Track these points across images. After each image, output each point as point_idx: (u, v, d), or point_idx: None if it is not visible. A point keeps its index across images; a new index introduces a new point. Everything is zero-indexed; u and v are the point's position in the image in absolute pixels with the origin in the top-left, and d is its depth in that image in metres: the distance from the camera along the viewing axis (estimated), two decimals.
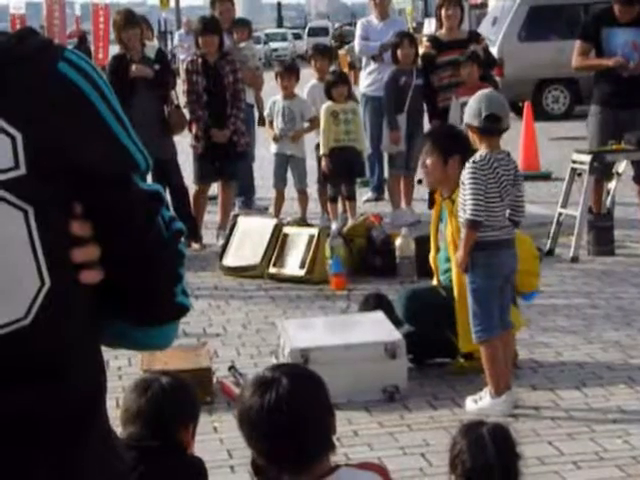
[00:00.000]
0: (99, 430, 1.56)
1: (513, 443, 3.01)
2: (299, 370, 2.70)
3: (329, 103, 9.41)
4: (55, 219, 1.49)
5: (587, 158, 8.39)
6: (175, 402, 3.07)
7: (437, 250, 5.89)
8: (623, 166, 8.81)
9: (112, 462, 1.59)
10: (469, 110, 5.24)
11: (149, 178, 9.41)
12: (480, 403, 5.17)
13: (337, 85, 9.44)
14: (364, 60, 11.41)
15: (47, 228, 1.47)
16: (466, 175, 5.07)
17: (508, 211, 5.19)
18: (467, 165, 5.10)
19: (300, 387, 2.52)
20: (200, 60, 9.14)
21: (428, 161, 5.68)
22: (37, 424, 1.49)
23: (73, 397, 1.51)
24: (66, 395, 1.51)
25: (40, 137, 1.47)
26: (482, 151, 5.12)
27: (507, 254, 5.13)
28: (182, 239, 1.65)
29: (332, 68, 11.07)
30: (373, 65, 10.88)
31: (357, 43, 11.18)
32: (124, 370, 5.97)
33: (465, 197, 5.07)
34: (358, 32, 11.15)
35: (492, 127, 5.12)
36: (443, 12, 9.80)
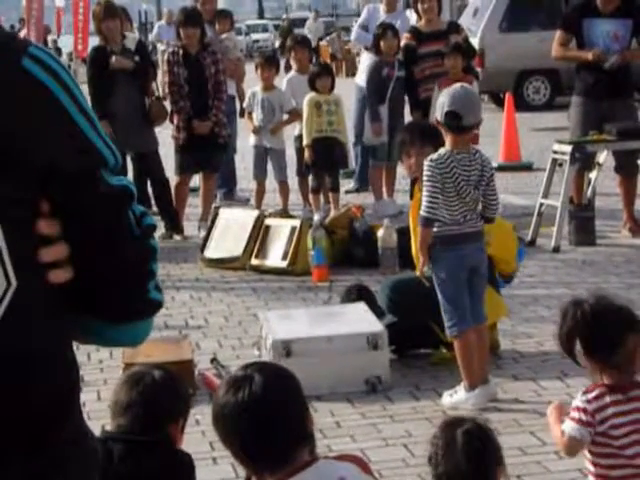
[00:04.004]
0: (71, 428, 1.54)
1: (489, 443, 2.98)
2: (271, 367, 2.70)
3: (312, 94, 9.40)
4: (21, 218, 1.46)
5: (568, 148, 8.42)
6: (166, 396, 3.05)
7: None
8: (604, 156, 8.84)
9: (83, 460, 1.57)
10: (438, 103, 5.25)
11: (130, 169, 9.42)
12: (454, 397, 5.18)
13: (321, 76, 9.43)
14: (361, 49, 11.51)
15: (12, 227, 1.44)
16: (424, 173, 5.09)
17: (480, 207, 5.20)
18: (425, 163, 5.11)
19: (273, 383, 2.52)
20: (181, 52, 9.11)
21: (411, 160, 5.69)
22: (5, 423, 1.46)
23: (43, 396, 1.49)
24: (36, 394, 1.48)
25: (4, 135, 1.44)
26: (442, 149, 5.13)
27: (470, 247, 5.12)
28: (154, 234, 1.62)
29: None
30: (366, 55, 10.90)
31: (354, 30, 11.36)
32: (105, 363, 5.95)
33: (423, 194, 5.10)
34: (360, 19, 11.30)
35: (451, 124, 5.10)
36: (420, 5, 9.82)
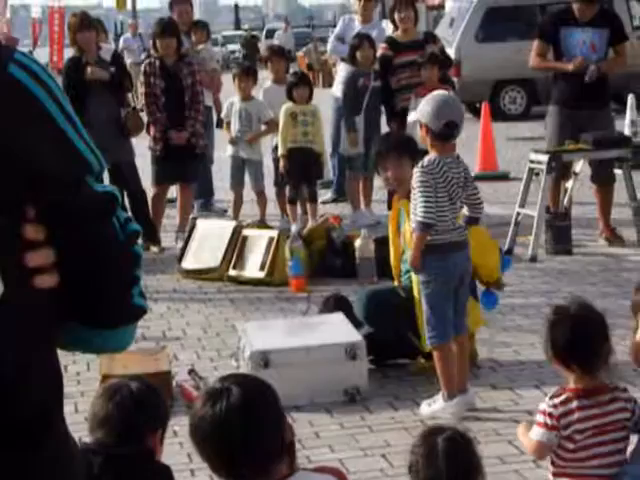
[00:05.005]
0: (56, 435, 1.55)
1: (469, 451, 3.00)
2: (248, 379, 2.69)
3: (289, 104, 9.40)
4: (7, 223, 1.46)
5: (544, 158, 8.45)
6: (144, 407, 3.03)
7: (401, 253, 5.87)
8: (580, 166, 8.88)
9: (69, 468, 1.57)
10: (426, 111, 5.18)
11: (106, 181, 9.38)
12: (433, 406, 5.19)
13: (298, 86, 9.43)
14: (338, 60, 11.51)
15: None
16: (415, 179, 5.08)
17: (465, 210, 5.22)
18: (415, 170, 5.10)
19: (251, 395, 2.52)
20: (158, 63, 9.10)
21: (388, 170, 5.71)
22: None
23: (28, 401, 1.49)
24: (22, 399, 1.49)
25: None
26: (431, 155, 5.13)
27: (459, 256, 5.12)
28: (138, 240, 1.63)
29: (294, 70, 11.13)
30: (342, 65, 10.92)
31: (330, 41, 11.38)
32: (83, 375, 5.92)
33: (415, 201, 5.08)
34: (336, 30, 11.29)
35: (450, 134, 5.12)
36: (396, 15, 9.85)
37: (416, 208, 5.06)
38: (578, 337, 3.34)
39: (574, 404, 3.30)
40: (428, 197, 5.02)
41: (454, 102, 5.27)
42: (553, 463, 3.39)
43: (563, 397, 3.31)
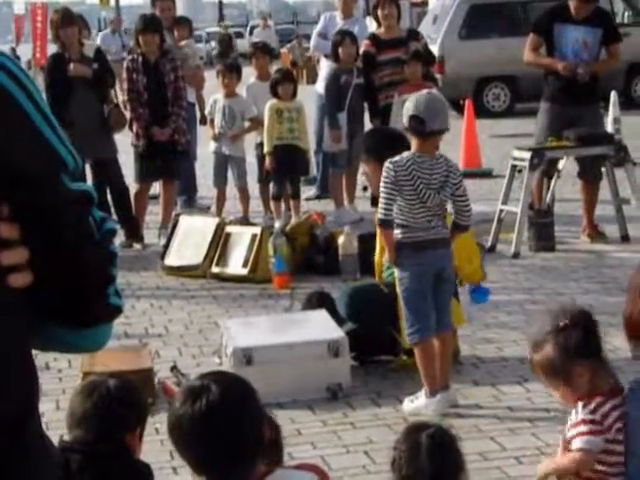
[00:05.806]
0: (31, 434, 1.54)
1: (452, 448, 3.00)
2: (228, 376, 2.69)
3: (274, 101, 9.39)
4: None
5: (527, 155, 8.46)
6: (121, 406, 3.03)
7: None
8: (563, 163, 8.89)
9: (44, 466, 1.56)
10: (404, 108, 5.28)
11: (89, 177, 9.36)
12: (415, 403, 5.19)
13: (283, 83, 9.42)
14: (321, 57, 11.51)
15: None
16: (382, 174, 5.11)
17: (452, 215, 5.23)
18: (385, 164, 5.12)
19: (230, 393, 2.52)
20: (140, 59, 9.08)
21: (367, 169, 5.77)
22: None
23: (6, 399, 1.48)
24: (1, 397, 1.48)
25: None
26: (405, 152, 5.14)
27: (435, 254, 5.11)
28: (114, 239, 1.62)
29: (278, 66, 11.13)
30: (325, 62, 10.92)
31: (313, 38, 11.37)
32: (64, 372, 5.90)
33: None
34: (318, 26, 11.30)
35: (414, 128, 5.12)
36: (379, 12, 9.85)
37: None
38: (592, 335, 3.28)
39: (607, 406, 3.20)
40: (387, 194, 5.05)
41: (425, 99, 5.17)
42: (595, 469, 3.26)
43: (595, 402, 3.20)
